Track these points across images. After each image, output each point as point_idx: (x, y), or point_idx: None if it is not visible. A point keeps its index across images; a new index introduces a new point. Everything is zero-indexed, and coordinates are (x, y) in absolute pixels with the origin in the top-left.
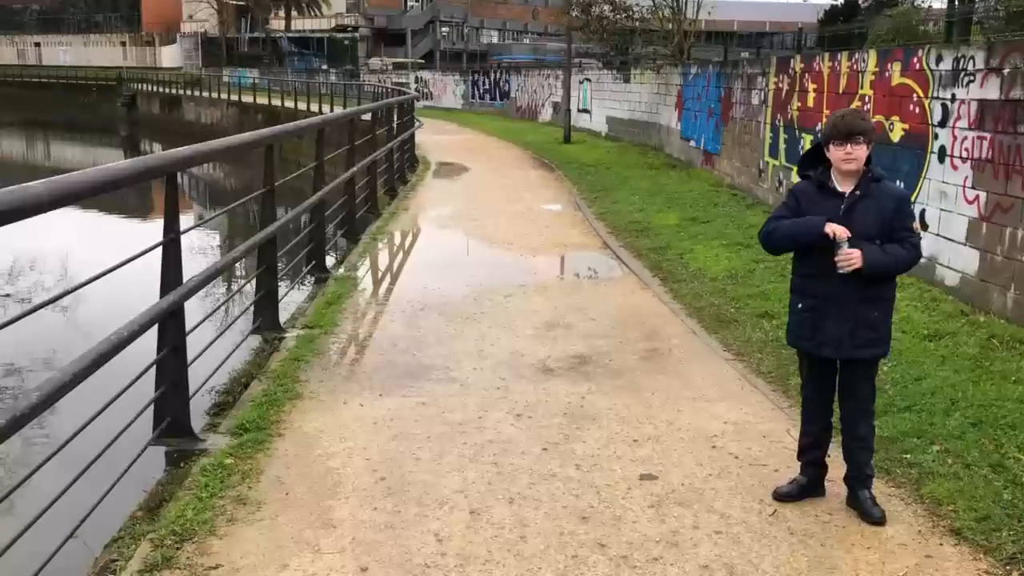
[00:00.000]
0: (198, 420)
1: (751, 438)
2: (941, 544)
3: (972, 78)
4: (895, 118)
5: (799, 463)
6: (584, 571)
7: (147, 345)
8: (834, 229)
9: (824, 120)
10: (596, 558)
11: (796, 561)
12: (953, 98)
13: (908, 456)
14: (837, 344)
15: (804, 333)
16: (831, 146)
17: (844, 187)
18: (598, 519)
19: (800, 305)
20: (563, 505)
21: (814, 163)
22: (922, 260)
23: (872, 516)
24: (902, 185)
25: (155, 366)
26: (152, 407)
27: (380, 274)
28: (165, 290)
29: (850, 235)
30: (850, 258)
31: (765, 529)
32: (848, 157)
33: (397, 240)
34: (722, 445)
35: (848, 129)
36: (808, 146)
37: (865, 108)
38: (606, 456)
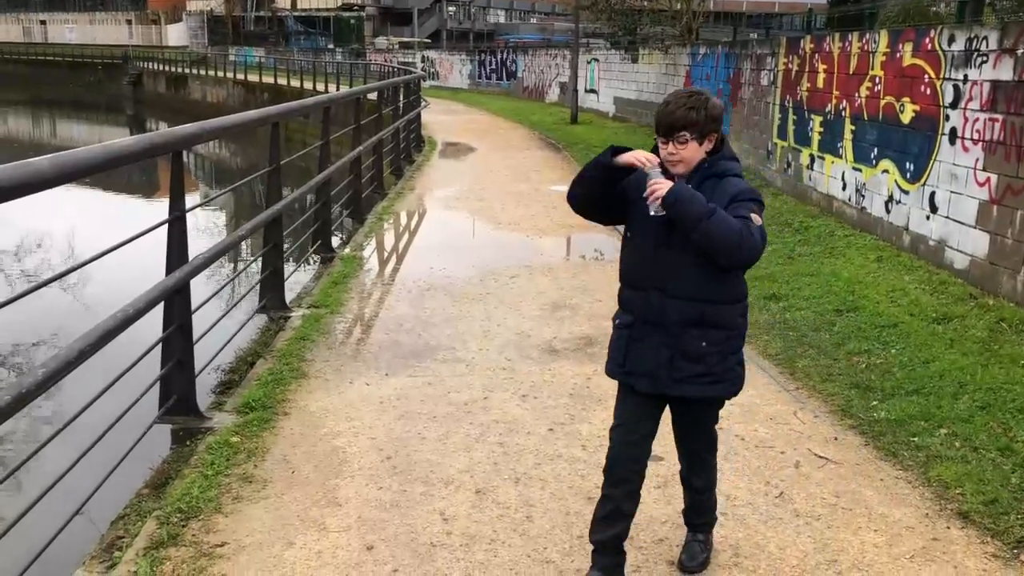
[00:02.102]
0: (204, 398)
1: (757, 420)
2: (948, 527)
3: (985, 59)
4: (906, 99)
5: (590, 543)
6: (589, 552)
7: (153, 324)
8: (635, 157)
9: (834, 100)
10: None
11: (802, 543)
12: (965, 79)
13: (915, 439)
14: (652, 377)
15: (616, 356)
16: (657, 140)
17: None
18: None
19: (618, 320)
20: (569, 486)
21: None
22: (931, 243)
23: (684, 563)
24: (911, 168)
25: (161, 344)
26: (158, 385)
27: (386, 254)
28: (171, 268)
29: (660, 169)
30: (657, 188)
31: (771, 511)
32: (671, 159)
33: (403, 220)
34: (728, 427)
35: (668, 124)
36: (818, 128)
37: (876, 89)
38: None
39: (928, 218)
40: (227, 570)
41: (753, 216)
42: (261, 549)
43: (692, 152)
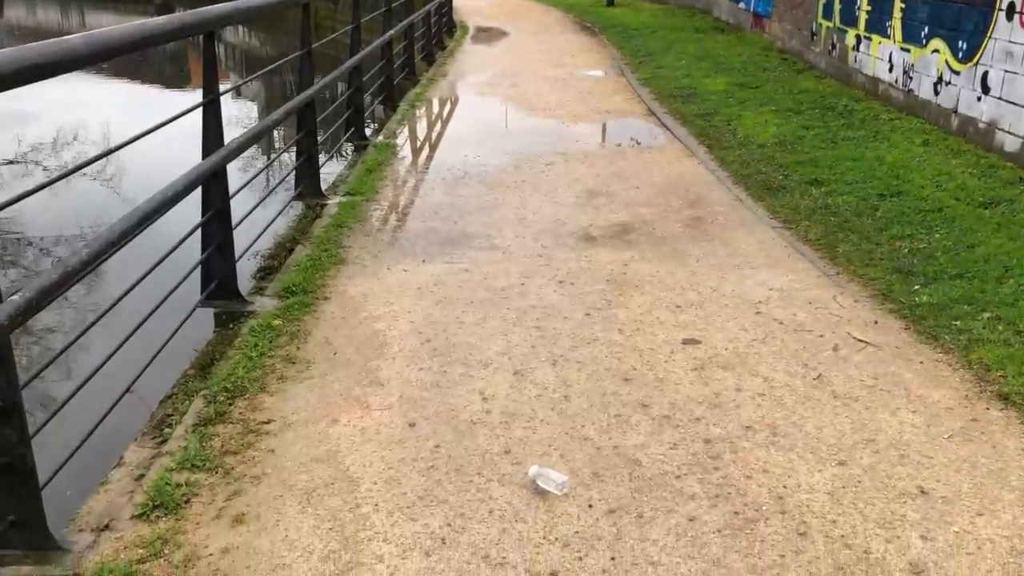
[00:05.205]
0: (244, 283)
1: (796, 304)
2: (988, 408)
3: None
4: None
5: None
6: (626, 429)
7: (192, 213)
8: None
9: None
10: (639, 417)
11: (839, 423)
12: None
13: (957, 323)
14: None
15: None
16: None
17: None
18: (640, 381)
19: None
20: (606, 367)
21: None
22: (981, 125)
23: None
24: (964, 46)
25: (201, 229)
26: (200, 269)
27: (419, 142)
28: (207, 152)
29: None
30: None
31: (809, 392)
32: None
33: (436, 107)
34: (766, 311)
35: None
36: (865, 6)
37: None
38: (649, 321)
39: (979, 99)
40: (274, 445)
41: None
42: (306, 426)
43: None
